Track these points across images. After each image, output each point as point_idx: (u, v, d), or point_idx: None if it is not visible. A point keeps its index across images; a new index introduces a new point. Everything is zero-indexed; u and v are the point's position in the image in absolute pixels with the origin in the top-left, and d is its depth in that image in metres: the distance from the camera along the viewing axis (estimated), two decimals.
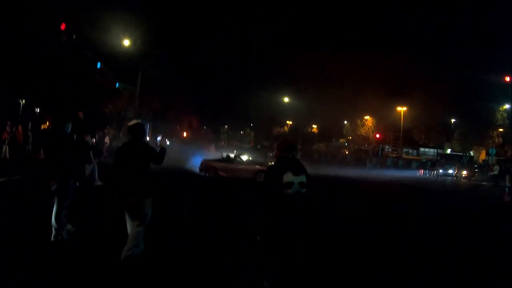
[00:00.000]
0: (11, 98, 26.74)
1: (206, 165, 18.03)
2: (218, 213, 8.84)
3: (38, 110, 31.72)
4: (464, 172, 32.11)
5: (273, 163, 3.82)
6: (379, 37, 47.98)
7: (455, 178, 31.77)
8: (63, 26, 21.16)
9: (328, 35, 48.85)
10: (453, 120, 47.13)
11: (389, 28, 57.28)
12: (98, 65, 29.89)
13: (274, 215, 3.46)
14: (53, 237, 5.24)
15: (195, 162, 19.65)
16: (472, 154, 43.64)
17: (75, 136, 6.26)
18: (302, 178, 3.48)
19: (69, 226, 5.56)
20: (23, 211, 6.94)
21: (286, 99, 52.66)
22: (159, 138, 15.31)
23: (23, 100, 28.80)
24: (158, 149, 4.74)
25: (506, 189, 19.36)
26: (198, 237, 6.39)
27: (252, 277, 3.95)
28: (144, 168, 4.47)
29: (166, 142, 41.72)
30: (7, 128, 17.34)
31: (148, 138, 35.75)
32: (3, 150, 16.80)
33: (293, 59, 47.35)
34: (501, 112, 41.45)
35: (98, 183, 11.38)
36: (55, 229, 5.24)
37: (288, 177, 3.41)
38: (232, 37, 50.67)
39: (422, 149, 48.93)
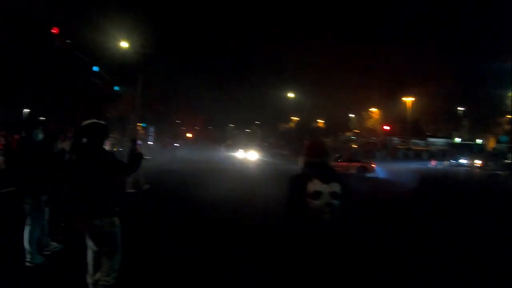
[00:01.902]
0: (13, 107, 26.26)
1: None
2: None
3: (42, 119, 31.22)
4: (477, 162, 31.23)
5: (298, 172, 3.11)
6: (382, 30, 47.16)
7: (468, 168, 30.97)
8: (55, 30, 20.67)
9: (331, 29, 47.90)
10: (460, 109, 46.39)
11: (393, 19, 56.14)
12: (96, 68, 30.05)
13: (296, 232, 2.93)
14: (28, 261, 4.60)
15: None
16: (482, 143, 42.68)
17: (57, 145, 5.30)
18: (334, 187, 2.88)
19: (54, 245, 5.15)
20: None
21: (291, 95, 52.30)
22: (139, 142, 13.95)
23: (28, 110, 28.31)
24: (134, 155, 3.89)
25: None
26: (191, 239, 6.19)
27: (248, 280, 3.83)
28: (109, 184, 3.33)
29: (174, 144, 41.31)
30: (1, 138, 16.72)
31: (152, 143, 35.11)
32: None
33: (296, 54, 46.65)
34: (510, 98, 40.13)
35: (146, 186, 11.45)
36: (29, 252, 4.62)
37: (314, 185, 2.84)
38: (233, 36, 50.23)
39: (430, 139, 48.03)
